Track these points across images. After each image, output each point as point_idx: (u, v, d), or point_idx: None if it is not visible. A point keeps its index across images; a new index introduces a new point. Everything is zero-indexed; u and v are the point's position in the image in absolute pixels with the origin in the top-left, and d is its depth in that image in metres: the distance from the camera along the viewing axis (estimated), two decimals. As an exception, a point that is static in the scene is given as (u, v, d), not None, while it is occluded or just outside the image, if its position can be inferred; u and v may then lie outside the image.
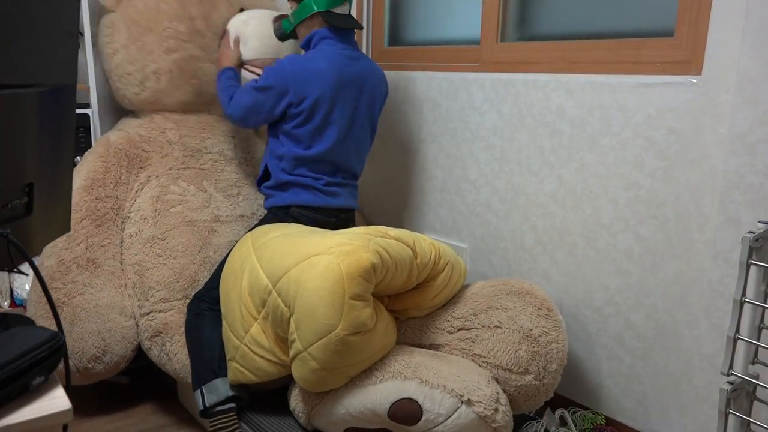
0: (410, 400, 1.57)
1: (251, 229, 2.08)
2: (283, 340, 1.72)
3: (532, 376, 1.72)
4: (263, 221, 2.16)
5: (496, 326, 1.78)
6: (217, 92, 2.22)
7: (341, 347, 1.56)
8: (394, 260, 1.66)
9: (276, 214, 2.14)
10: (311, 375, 1.60)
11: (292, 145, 2.10)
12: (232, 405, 1.83)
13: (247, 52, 2.28)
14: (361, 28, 2.22)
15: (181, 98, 2.30)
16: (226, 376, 1.85)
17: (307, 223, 2.11)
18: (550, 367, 1.73)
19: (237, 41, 2.27)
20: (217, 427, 1.80)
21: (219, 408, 1.82)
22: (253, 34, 2.28)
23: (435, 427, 1.57)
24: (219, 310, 1.94)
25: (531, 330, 1.74)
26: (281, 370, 1.75)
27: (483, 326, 1.80)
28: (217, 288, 1.97)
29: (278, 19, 2.28)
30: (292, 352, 1.63)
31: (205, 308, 1.96)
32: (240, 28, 2.28)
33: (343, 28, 2.13)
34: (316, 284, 1.55)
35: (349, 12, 2.17)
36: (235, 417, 1.81)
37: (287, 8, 2.26)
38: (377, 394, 1.60)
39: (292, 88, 2.03)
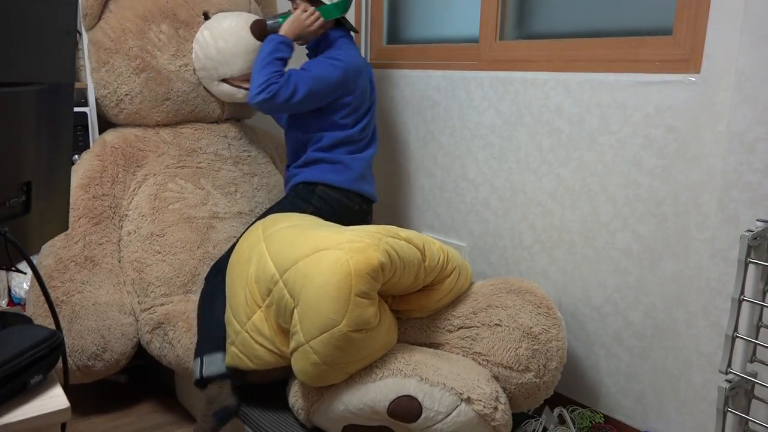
0: (410, 397, 1.57)
1: (265, 213, 2.08)
2: (284, 331, 1.72)
3: (532, 373, 1.72)
4: (283, 202, 2.16)
5: (496, 324, 1.78)
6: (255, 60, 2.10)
7: (343, 343, 1.56)
8: (402, 261, 1.67)
9: (299, 193, 2.14)
10: (311, 368, 1.60)
11: (336, 132, 2.16)
12: (227, 375, 1.81)
13: (233, 69, 2.23)
14: (357, 32, 2.36)
15: (157, 118, 2.30)
16: None
17: (331, 204, 2.13)
18: (551, 365, 1.73)
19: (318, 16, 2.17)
20: (212, 393, 1.78)
21: (216, 380, 1.80)
22: (236, 49, 2.22)
23: (434, 425, 1.57)
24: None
25: (531, 328, 1.74)
26: (279, 360, 1.75)
27: (483, 324, 1.80)
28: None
29: (258, 25, 2.22)
30: (293, 344, 1.63)
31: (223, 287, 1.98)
32: (220, 45, 2.22)
33: (351, 31, 2.27)
34: (323, 278, 1.55)
35: None
36: (230, 387, 1.80)
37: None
38: (377, 391, 1.60)
39: (351, 78, 2.11)
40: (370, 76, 2.27)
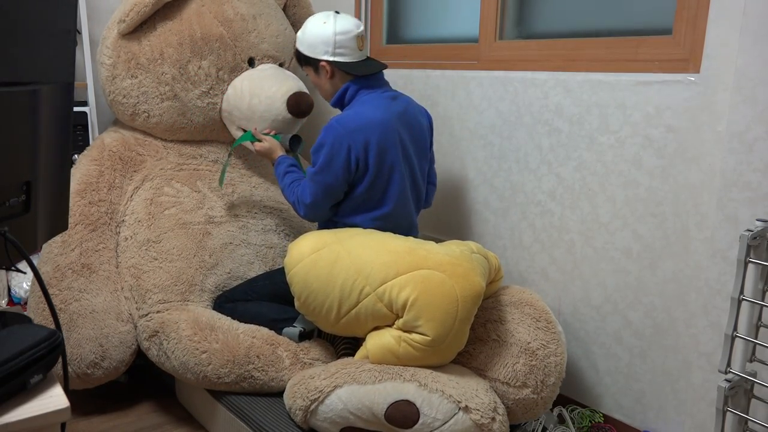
0: (408, 402, 1.57)
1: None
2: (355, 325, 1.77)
3: (530, 389, 1.71)
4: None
5: (493, 339, 1.77)
6: (281, 188, 2.01)
7: (432, 354, 1.66)
8: (485, 278, 1.72)
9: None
10: (387, 354, 1.68)
11: (360, 213, 1.95)
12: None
13: (256, 127, 2.16)
14: (386, 67, 2.00)
15: (170, 138, 2.29)
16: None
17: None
18: (548, 381, 1.72)
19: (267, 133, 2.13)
20: (341, 345, 1.95)
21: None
22: (267, 114, 2.14)
23: None
24: (253, 300, 2.03)
25: (529, 343, 1.73)
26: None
27: (480, 340, 1.80)
28: (251, 300, 2.02)
29: (296, 99, 2.13)
30: (403, 331, 1.68)
31: (240, 302, 2.04)
32: (253, 102, 2.14)
33: (371, 75, 1.96)
34: (428, 300, 1.61)
35: (368, 52, 2.00)
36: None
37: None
38: (376, 394, 1.60)
39: (354, 143, 1.83)
40: (410, 127, 1.95)
